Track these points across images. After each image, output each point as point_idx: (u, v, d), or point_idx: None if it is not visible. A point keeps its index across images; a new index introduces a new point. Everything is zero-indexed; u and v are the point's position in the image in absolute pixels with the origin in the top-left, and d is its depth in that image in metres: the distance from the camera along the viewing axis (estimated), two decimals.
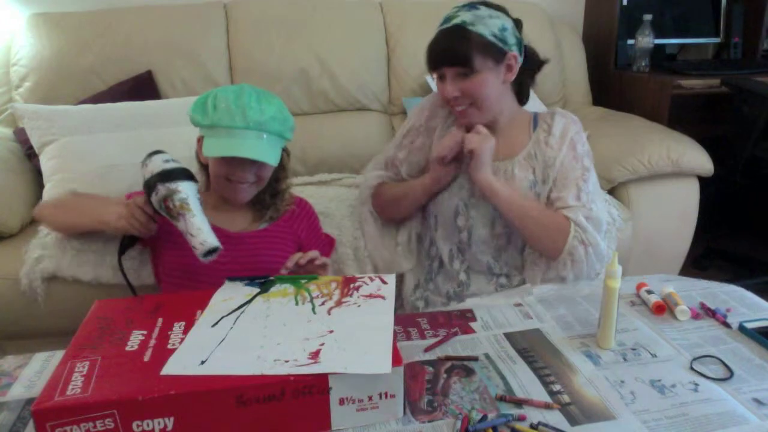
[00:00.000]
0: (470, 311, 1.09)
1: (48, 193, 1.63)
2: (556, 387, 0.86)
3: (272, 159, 1.16)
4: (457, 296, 1.30)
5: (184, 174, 1.11)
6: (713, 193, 2.08)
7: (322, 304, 0.93)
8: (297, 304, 0.93)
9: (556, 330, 1.02)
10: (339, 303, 0.93)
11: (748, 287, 1.15)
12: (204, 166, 1.25)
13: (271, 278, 1.01)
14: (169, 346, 0.82)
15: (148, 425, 0.73)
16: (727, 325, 1.02)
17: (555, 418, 0.80)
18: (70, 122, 1.70)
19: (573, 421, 0.79)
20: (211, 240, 1.05)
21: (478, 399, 0.84)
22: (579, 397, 0.84)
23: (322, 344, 0.81)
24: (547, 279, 1.23)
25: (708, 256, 2.50)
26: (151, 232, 1.16)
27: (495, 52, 1.18)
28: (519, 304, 1.11)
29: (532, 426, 0.78)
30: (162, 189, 1.07)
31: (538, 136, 1.27)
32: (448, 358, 0.94)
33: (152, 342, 0.83)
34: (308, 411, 0.76)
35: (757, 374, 0.89)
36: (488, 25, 1.17)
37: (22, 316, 1.47)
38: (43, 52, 1.95)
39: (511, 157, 1.27)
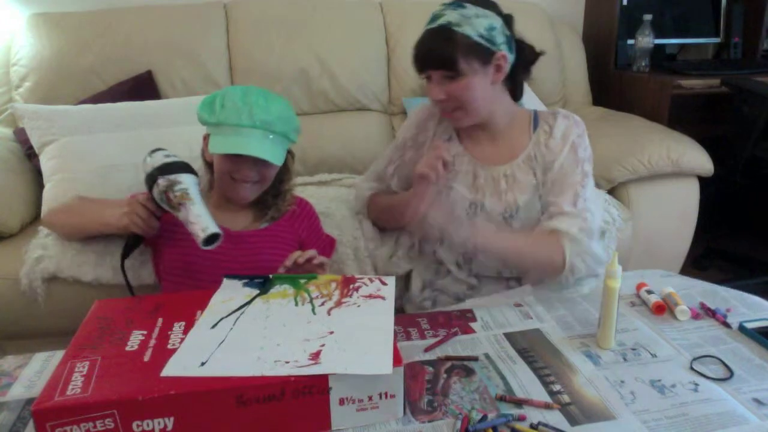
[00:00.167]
0: (470, 311, 1.09)
1: (48, 193, 1.63)
2: (556, 387, 0.86)
3: (277, 158, 1.18)
4: (469, 298, 1.28)
5: (184, 167, 1.14)
6: (713, 193, 2.08)
7: (322, 304, 0.92)
8: (297, 304, 0.93)
9: (556, 330, 1.02)
10: (339, 303, 0.93)
11: (748, 287, 1.15)
12: (209, 165, 1.26)
13: (270, 278, 1.01)
14: (169, 346, 0.82)
15: (148, 425, 0.73)
16: (727, 325, 1.02)
17: (555, 418, 0.80)
18: (70, 122, 1.70)
19: (573, 421, 0.79)
20: (212, 226, 1.06)
21: (478, 399, 0.84)
22: (579, 397, 0.84)
23: (323, 345, 0.81)
24: (549, 287, 1.21)
25: (708, 256, 2.50)
26: (153, 230, 1.17)
27: (482, 53, 1.14)
28: (519, 305, 1.11)
29: (532, 426, 0.78)
30: (163, 181, 1.10)
31: (538, 138, 1.23)
32: (448, 358, 0.94)
33: (152, 342, 0.83)
34: (308, 411, 0.76)
35: (757, 374, 0.89)
36: (475, 25, 1.12)
37: (22, 316, 1.47)
38: (43, 52, 1.95)
39: (511, 161, 1.24)
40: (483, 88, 1.17)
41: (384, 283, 0.99)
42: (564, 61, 2.40)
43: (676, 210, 1.95)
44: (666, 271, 1.23)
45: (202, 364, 0.78)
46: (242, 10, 2.16)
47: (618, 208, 1.81)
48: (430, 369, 0.91)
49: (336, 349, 0.80)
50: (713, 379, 0.88)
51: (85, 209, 1.37)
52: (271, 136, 1.15)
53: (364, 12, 2.23)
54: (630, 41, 2.43)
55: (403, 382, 0.79)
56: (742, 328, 1.00)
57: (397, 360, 0.78)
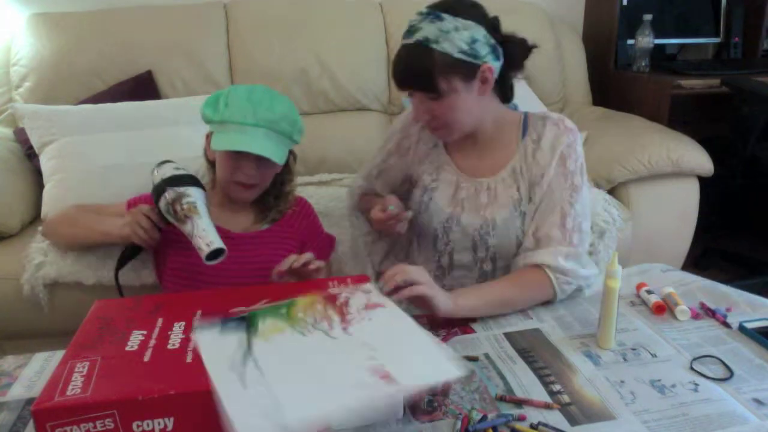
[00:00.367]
0: None
1: (48, 193, 1.63)
2: (556, 387, 0.86)
3: (279, 157, 1.17)
4: None
5: (193, 180, 1.15)
6: (713, 193, 2.08)
7: (331, 327, 0.86)
8: (304, 335, 0.85)
9: (556, 330, 1.02)
10: (345, 321, 0.87)
11: (748, 287, 1.15)
12: (211, 163, 1.26)
13: (243, 316, 0.89)
14: (169, 347, 0.82)
15: (148, 425, 0.72)
16: (727, 325, 1.02)
17: (555, 418, 0.80)
18: (70, 122, 1.71)
19: (573, 421, 0.79)
20: (217, 242, 1.07)
21: (478, 399, 0.84)
22: (579, 397, 0.84)
23: (380, 364, 0.76)
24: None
25: (708, 256, 2.50)
26: (154, 242, 1.17)
27: (464, 69, 1.05)
28: None
29: (532, 426, 0.78)
30: (171, 192, 1.11)
31: (525, 148, 1.15)
32: None
33: (152, 342, 0.83)
34: None
35: (757, 374, 0.89)
36: (454, 40, 1.03)
37: (23, 316, 1.47)
38: (43, 52, 1.95)
39: (496, 173, 1.17)
40: (468, 104, 1.09)
41: (362, 282, 0.97)
42: (564, 61, 2.40)
43: (676, 210, 1.95)
44: (666, 265, 1.23)
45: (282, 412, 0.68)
46: (242, 10, 2.16)
47: (618, 208, 1.81)
48: None
49: (397, 364, 0.75)
50: (713, 379, 0.88)
51: (85, 219, 1.36)
52: (274, 135, 1.15)
53: (364, 12, 2.23)
54: (630, 41, 2.43)
55: None
56: (742, 328, 1.00)
57: None
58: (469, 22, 1.05)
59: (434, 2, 1.09)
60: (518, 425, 0.78)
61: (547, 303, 1.11)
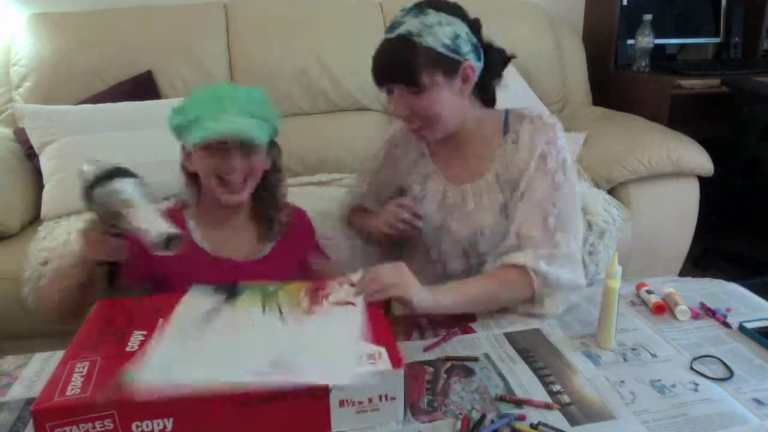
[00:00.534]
0: None
1: (48, 193, 1.63)
2: (556, 387, 0.86)
3: (258, 136, 1.10)
4: None
5: (118, 172, 0.95)
6: (713, 193, 2.08)
7: (291, 313, 0.91)
8: (264, 313, 0.91)
9: (556, 330, 1.02)
10: (308, 312, 0.91)
11: (748, 287, 1.15)
12: (192, 177, 1.18)
13: (239, 285, 0.98)
14: None
15: (147, 426, 0.72)
16: (727, 325, 1.02)
17: (555, 418, 0.80)
18: (70, 122, 1.71)
19: (573, 421, 0.79)
20: (164, 227, 0.89)
21: (478, 399, 0.84)
22: (579, 397, 0.84)
23: (287, 354, 0.80)
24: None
25: (708, 256, 2.50)
26: (119, 250, 1.00)
27: (447, 64, 1.04)
28: None
29: (532, 426, 0.78)
30: (97, 196, 0.93)
31: (504, 150, 1.12)
32: (447, 359, 0.94)
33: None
34: (308, 413, 0.76)
35: (757, 374, 0.89)
36: (437, 34, 1.02)
37: (23, 316, 1.47)
38: (43, 52, 1.95)
39: (479, 177, 1.14)
40: (449, 100, 1.08)
41: (353, 284, 0.98)
42: (564, 61, 2.40)
43: (676, 210, 1.95)
44: (666, 278, 1.22)
45: (164, 371, 0.75)
46: (242, 10, 2.16)
47: (618, 208, 1.81)
48: (430, 369, 0.91)
49: (298, 358, 0.79)
50: (713, 379, 0.88)
51: (61, 267, 1.14)
52: (249, 118, 1.10)
53: (364, 12, 2.23)
54: (630, 41, 2.43)
55: (404, 385, 0.79)
56: (742, 328, 1.00)
57: (397, 363, 0.78)
58: (453, 18, 1.05)
59: (418, 1, 1.09)
60: (518, 425, 0.78)
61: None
